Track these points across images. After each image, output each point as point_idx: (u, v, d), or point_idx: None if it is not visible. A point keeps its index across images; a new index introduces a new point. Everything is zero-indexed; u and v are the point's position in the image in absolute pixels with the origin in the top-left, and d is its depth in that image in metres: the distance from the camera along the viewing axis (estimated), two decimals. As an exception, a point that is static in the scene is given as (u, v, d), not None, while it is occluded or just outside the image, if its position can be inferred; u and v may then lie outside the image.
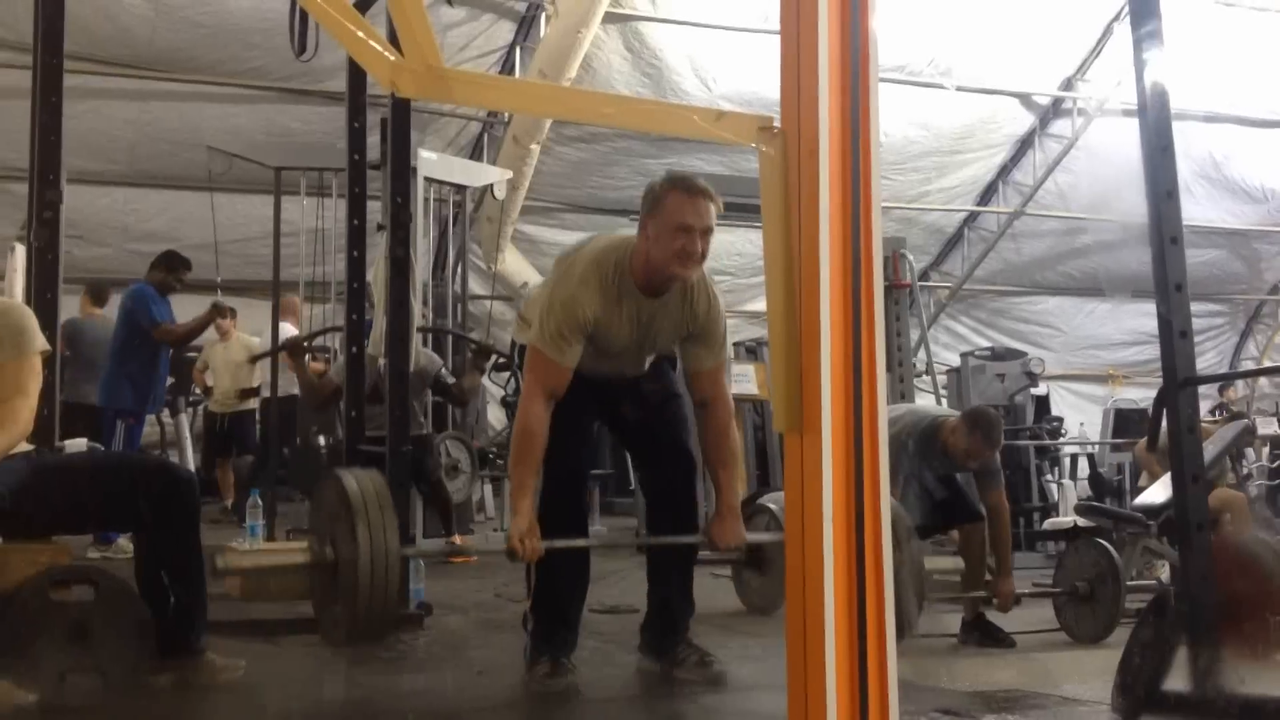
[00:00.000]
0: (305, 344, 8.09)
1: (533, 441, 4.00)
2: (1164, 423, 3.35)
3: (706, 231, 3.98)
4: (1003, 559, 5.70)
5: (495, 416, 12.57)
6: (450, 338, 9.64)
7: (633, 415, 4.41)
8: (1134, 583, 6.04)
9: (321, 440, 8.43)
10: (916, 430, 5.68)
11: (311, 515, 3.52)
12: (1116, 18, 13.10)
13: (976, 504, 5.73)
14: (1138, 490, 7.90)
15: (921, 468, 5.57)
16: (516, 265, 13.22)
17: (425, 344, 8.45)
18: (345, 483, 3.27)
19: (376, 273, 6.79)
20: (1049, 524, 9.27)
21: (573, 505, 4.36)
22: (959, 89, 13.41)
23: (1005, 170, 15.33)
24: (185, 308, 9.16)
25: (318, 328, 9.48)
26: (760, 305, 11.50)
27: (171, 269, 8.42)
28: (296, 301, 9.98)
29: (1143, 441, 7.93)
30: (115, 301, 8.85)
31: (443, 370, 8.32)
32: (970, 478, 5.79)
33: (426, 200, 9.50)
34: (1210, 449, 7.02)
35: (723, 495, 4.25)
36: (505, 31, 12.41)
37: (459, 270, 10.92)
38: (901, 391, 8.73)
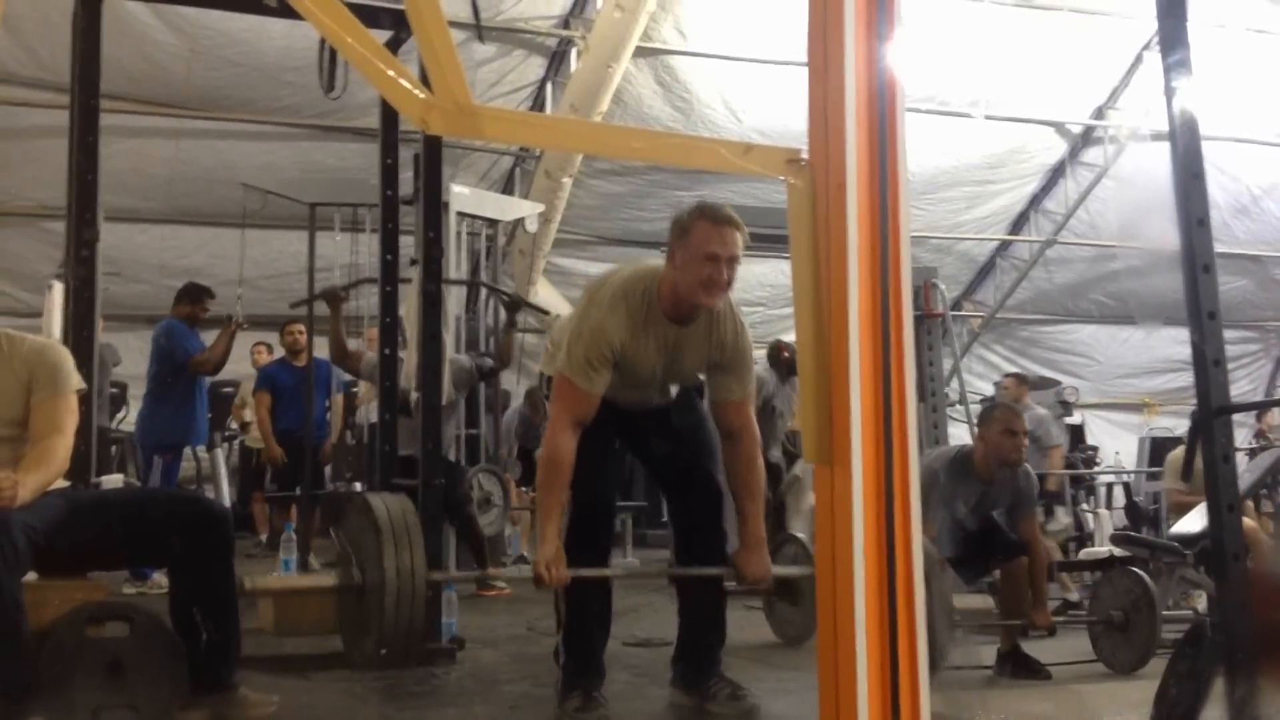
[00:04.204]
0: (342, 293, 8.06)
1: (560, 470, 4.01)
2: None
3: (733, 260, 4.00)
4: (1039, 590, 5.66)
5: (528, 449, 12.58)
6: (483, 291, 9.77)
7: (660, 448, 4.42)
8: (1170, 613, 5.98)
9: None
10: (946, 459, 5.68)
11: (339, 542, 3.51)
12: (1147, 46, 13.08)
13: (1015, 539, 5.69)
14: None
15: (955, 497, 5.55)
16: (549, 298, 13.27)
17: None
18: (373, 506, 3.26)
19: (409, 307, 6.83)
20: (1085, 554, 9.17)
21: (598, 536, 4.35)
22: (989, 118, 13.40)
23: (1037, 199, 15.29)
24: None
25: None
26: (791, 337, 11.52)
27: (196, 300, 8.46)
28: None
29: (1173, 485, 7.83)
30: (144, 335, 8.93)
31: (478, 360, 8.41)
32: (1005, 515, 5.75)
33: (459, 234, 9.54)
34: (1246, 477, 6.96)
35: (749, 526, 4.25)
36: (536, 67, 12.50)
37: (491, 304, 10.96)
38: (934, 421, 8.70)
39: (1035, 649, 5.51)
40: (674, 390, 4.40)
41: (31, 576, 3.68)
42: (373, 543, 3.14)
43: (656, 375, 4.22)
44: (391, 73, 1.87)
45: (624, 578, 4.30)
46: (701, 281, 3.97)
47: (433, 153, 5.83)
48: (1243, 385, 17.27)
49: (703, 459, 4.40)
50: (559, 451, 4.02)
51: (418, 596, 3.10)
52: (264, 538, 10.52)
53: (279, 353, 10.59)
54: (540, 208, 11.36)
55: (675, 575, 4.49)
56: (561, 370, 4.12)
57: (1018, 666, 5.41)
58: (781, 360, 9.18)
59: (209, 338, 8.67)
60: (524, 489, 10.20)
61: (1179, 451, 8.24)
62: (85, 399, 4.19)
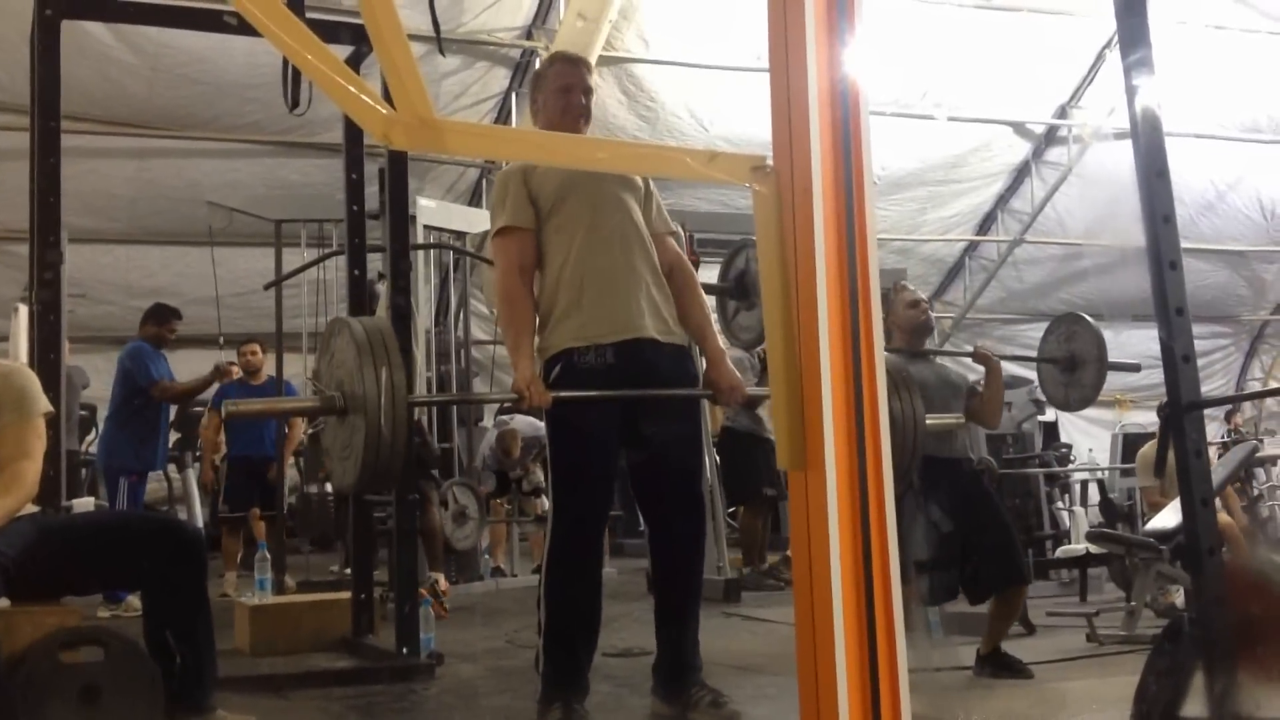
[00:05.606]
0: None
1: (517, 306, 4.20)
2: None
3: (587, 90, 4.40)
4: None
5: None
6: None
7: (651, 448, 4.30)
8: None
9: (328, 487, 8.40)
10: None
11: (320, 364, 3.51)
12: (1108, 44, 13.15)
13: (1025, 566, 5.59)
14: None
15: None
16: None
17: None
18: (350, 326, 3.26)
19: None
20: (1061, 551, 9.21)
21: (591, 548, 4.31)
22: (951, 119, 13.46)
23: (1003, 199, 15.36)
24: (188, 363, 9.19)
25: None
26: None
27: (162, 321, 8.41)
28: None
29: (1148, 483, 7.87)
30: (112, 357, 8.87)
31: None
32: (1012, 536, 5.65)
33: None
34: (1218, 472, 7.01)
35: (708, 343, 4.43)
36: (500, 78, 12.48)
37: (461, 317, 10.95)
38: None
39: (1016, 648, 5.51)
40: (642, 227, 4.37)
41: (3, 603, 3.65)
42: (352, 361, 3.14)
43: (597, 198, 4.26)
44: (353, 89, 1.86)
45: (610, 397, 4.17)
46: (561, 109, 4.36)
47: (398, 167, 5.82)
48: (1218, 380, 17.38)
49: (690, 465, 4.43)
50: (512, 293, 4.21)
51: (399, 412, 3.09)
52: (228, 574, 9.16)
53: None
54: (508, 219, 11.33)
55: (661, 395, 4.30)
56: (493, 231, 4.34)
57: (999, 666, 5.41)
58: None
59: (176, 359, 8.62)
60: (498, 499, 10.17)
61: (1149, 447, 8.28)
62: (53, 422, 4.17)
